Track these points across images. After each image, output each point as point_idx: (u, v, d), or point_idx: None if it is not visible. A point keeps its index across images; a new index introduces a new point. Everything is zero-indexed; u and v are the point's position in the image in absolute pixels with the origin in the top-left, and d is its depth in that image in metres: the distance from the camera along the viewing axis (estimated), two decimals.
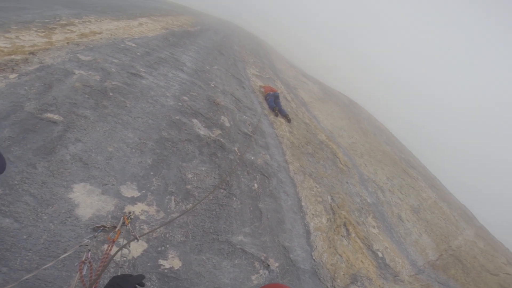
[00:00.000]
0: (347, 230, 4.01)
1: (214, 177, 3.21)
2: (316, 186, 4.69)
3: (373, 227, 4.58)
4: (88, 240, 1.58)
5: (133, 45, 5.49)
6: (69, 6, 6.40)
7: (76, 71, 3.33)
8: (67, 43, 4.14)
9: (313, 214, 3.91)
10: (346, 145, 7.97)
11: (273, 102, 6.98)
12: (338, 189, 5.06)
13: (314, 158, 5.73)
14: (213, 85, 5.77)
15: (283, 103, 7.71)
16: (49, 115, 2.38)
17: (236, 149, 4.09)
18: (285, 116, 6.83)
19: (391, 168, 8.00)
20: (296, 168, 4.89)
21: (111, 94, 3.20)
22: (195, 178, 2.94)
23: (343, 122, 10.33)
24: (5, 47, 3.24)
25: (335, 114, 10.84)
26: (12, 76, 2.71)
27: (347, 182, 5.56)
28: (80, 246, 1.52)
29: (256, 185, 3.69)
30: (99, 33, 5.23)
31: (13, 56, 3.08)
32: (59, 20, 5.08)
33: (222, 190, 3.13)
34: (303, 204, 4.02)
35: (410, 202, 6.56)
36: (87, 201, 1.93)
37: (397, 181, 7.30)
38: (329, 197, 4.59)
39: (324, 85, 18.02)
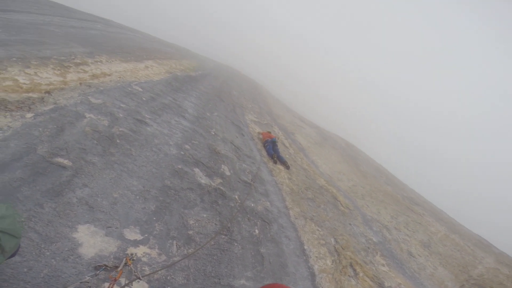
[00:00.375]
0: (354, 270, 3.91)
1: (215, 224, 3.31)
2: (318, 229, 4.69)
3: (382, 265, 4.44)
4: (89, 277, 1.64)
5: (140, 89, 5.80)
6: (83, 44, 6.92)
7: (87, 115, 3.57)
8: (80, 83, 4.43)
9: (316, 257, 3.86)
10: (346, 188, 8.04)
11: (272, 149, 7.20)
12: (341, 231, 5.03)
13: (314, 202, 5.79)
14: (213, 133, 6.07)
15: (281, 149, 8.00)
16: (60, 159, 2.56)
17: (236, 196, 4.22)
18: (284, 163, 7.04)
19: (395, 207, 7.92)
20: (296, 213, 4.94)
21: (118, 141, 3.44)
22: (197, 224, 3.05)
23: (342, 165, 10.54)
24: (24, 84, 3.52)
25: (333, 158, 11.12)
26: (29, 115, 2.94)
27: (350, 224, 5.52)
28: (81, 282, 1.57)
29: (257, 231, 3.74)
30: (109, 75, 5.56)
31: (30, 94, 3.34)
32: (74, 59, 5.45)
33: (223, 236, 3.19)
34: (305, 247, 4.00)
35: (419, 238, 6.38)
36: (91, 241, 2.02)
37: (402, 218, 7.18)
38: (332, 239, 4.55)
39: (321, 128, 18.70)
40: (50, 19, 8.79)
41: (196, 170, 4.11)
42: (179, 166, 3.82)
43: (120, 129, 3.68)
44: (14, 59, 4.14)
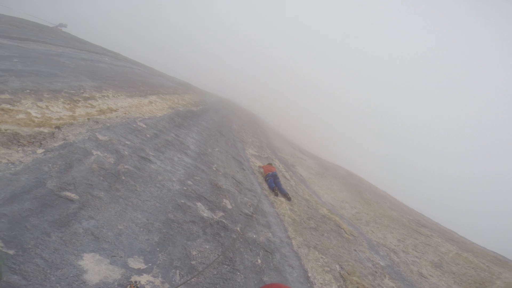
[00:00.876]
0: None
1: (218, 254, 3.41)
2: (322, 257, 4.69)
3: (392, 287, 4.34)
4: None
5: (144, 125, 6.03)
6: (92, 78, 7.25)
7: (94, 152, 3.76)
8: (88, 119, 4.65)
9: (321, 283, 3.85)
10: (349, 216, 8.02)
11: (273, 183, 7.34)
12: (346, 257, 5.00)
13: (317, 231, 5.81)
14: (215, 169, 6.26)
15: (282, 181, 8.14)
16: (67, 193, 2.73)
17: (238, 228, 4.32)
18: (285, 195, 7.15)
19: (401, 231, 7.80)
20: (299, 242, 4.97)
21: (123, 177, 3.63)
22: (200, 255, 3.16)
23: (344, 194, 10.56)
24: (36, 117, 3.73)
25: (334, 187, 11.17)
26: (39, 151, 3.13)
27: (355, 250, 5.48)
28: None
29: (259, 260, 3.80)
30: (115, 110, 5.81)
31: (42, 129, 3.54)
32: (83, 93, 5.71)
33: (225, 266, 3.28)
34: (309, 274, 4.00)
35: (429, 259, 6.21)
36: (96, 269, 2.14)
37: (410, 241, 7.04)
38: (337, 266, 4.53)
39: (321, 159, 18.87)
40: (62, 50, 9.46)
41: (199, 204, 4.29)
42: (182, 201, 4.02)
43: (125, 166, 3.90)
44: (28, 91, 4.43)
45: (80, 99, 5.34)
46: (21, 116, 3.62)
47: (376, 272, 4.80)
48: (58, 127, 3.85)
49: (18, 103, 3.88)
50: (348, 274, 4.34)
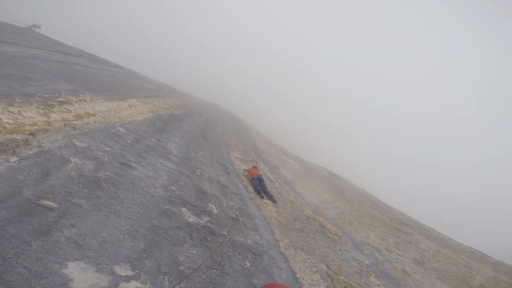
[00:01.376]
0: None
1: (206, 259, 3.35)
2: (309, 258, 4.73)
3: (378, 285, 4.46)
4: None
5: (124, 130, 5.83)
6: (67, 81, 6.91)
7: (72, 159, 3.59)
8: (64, 124, 4.41)
9: (310, 284, 3.88)
10: (333, 216, 8.17)
11: (258, 185, 7.38)
12: (332, 257, 5.07)
13: (303, 232, 5.86)
14: (199, 173, 6.16)
15: (267, 183, 8.16)
16: (45, 201, 2.59)
17: (225, 232, 4.27)
18: (270, 198, 7.17)
19: (383, 229, 8.05)
20: (286, 244, 4.99)
21: (104, 185, 3.49)
22: (187, 260, 3.08)
23: (327, 195, 10.76)
24: (8, 124, 3.51)
25: (318, 188, 11.35)
26: (13, 159, 2.95)
27: (340, 250, 5.58)
28: None
29: (248, 264, 3.77)
30: (93, 115, 5.56)
31: (14, 136, 3.33)
32: (58, 97, 5.43)
33: (214, 270, 3.22)
34: (298, 275, 4.02)
35: (411, 256, 6.44)
36: (82, 277, 2.03)
37: (392, 239, 7.28)
38: (324, 266, 4.59)
39: (304, 161, 19.14)
40: (35, 52, 8.99)
41: (184, 209, 4.20)
42: (166, 207, 3.91)
43: (106, 173, 3.76)
44: None
45: (55, 103, 5.10)
46: None
47: (362, 270, 4.91)
48: (32, 134, 3.65)
49: None
50: (335, 273, 4.40)
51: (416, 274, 5.56)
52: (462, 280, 5.85)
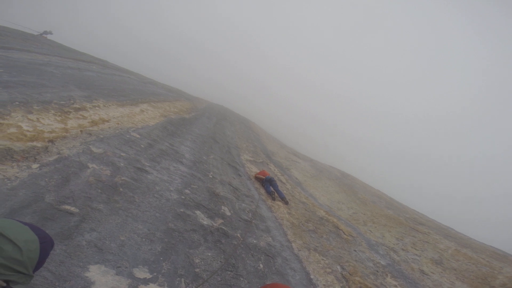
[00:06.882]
0: None
1: (220, 261, 3.40)
2: (323, 259, 4.71)
3: (395, 286, 4.40)
4: None
5: (137, 136, 5.97)
6: (81, 87, 7.09)
7: (90, 165, 3.72)
8: (81, 131, 4.57)
9: (324, 285, 3.87)
10: (347, 217, 8.08)
11: (270, 187, 7.44)
12: (346, 258, 5.03)
13: (316, 233, 5.84)
14: (211, 176, 6.23)
15: (278, 185, 8.16)
16: (67, 207, 2.71)
17: (238, 235, 4.32)
18: (283, 199, 7.16)
19: (399, 229, 7.89)
20: (299, 245, 4.99)
21: (121, 189, 3.60)
22: (203, 262, 3.15)
23: (340, 195, 10.65)
24: (28, 131, 3.66)
25: (330, 189, 11.25)
26: (35, 166, 3.09)
27: (355, 250, 5.52)
28: None
29: (261, 265, 3.80)
30: (107, 121, 5.71)
31: (34, 143, 3.48)
32: (73, 103, 5.60)
33: (229, 272, 3.27)
34: (312, 277, 4.01)
35: (429, 256, 6.29)
36: (102, 280, 2.12)
37: (408, 239, 7.13)
38: (338, 267, 4.56)
39: (315, 161, 18.98)
40: (48, 59, 9.26)
41: (198, 212, 4.28)
42: (181, 210, 4.00)
43: (122, 178, 3.88)
44: (17, 103, 4.34)
45: (71, 110, 5.26)
46: (13, 130, 3.56)
47: (377, 271, 4.84)
48: (51, 141, 3.80)
49: (8, 116, 3.81)
50: (350, 274, 4.37)
51: (434, 274, 5.43)
52: (483, 279, 5.67)
